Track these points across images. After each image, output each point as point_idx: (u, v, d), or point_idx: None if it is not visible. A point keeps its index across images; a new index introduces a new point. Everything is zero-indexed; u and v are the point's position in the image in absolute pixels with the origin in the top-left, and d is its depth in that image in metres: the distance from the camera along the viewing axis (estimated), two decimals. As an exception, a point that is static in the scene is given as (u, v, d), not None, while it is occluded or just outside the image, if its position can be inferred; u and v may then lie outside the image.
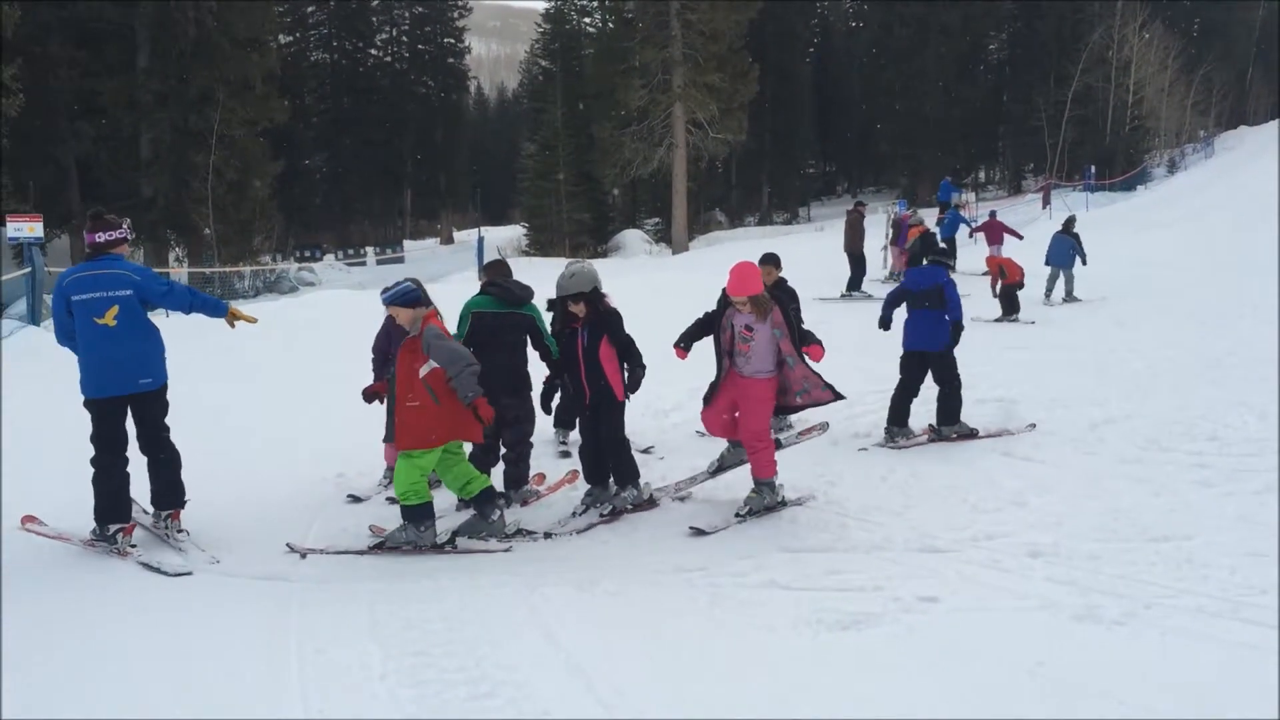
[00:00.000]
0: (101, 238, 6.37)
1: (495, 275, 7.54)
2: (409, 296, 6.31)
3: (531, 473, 7.67)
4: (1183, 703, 4.09)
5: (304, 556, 6.26)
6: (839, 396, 6.99)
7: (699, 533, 6.54)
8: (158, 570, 6.01)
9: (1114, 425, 8.80)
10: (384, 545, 6.37)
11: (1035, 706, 4.12)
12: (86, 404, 6.34)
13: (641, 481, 7.11)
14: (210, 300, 6.71)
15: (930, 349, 8.86)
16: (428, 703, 4.29)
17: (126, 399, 6.34)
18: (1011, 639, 4.75)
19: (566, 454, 8.64)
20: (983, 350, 12.61)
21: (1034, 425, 8.92)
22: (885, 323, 9.21)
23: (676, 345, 7.17)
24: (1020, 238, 21.85)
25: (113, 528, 6.33)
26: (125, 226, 6.64)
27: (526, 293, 7.36)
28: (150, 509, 6.66)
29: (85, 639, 5.05)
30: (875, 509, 6.90)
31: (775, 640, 4.87)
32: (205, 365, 12.06)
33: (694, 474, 7.70)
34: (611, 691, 4.36)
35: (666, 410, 9.66)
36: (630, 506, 6.97)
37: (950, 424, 8.80)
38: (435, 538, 6.34)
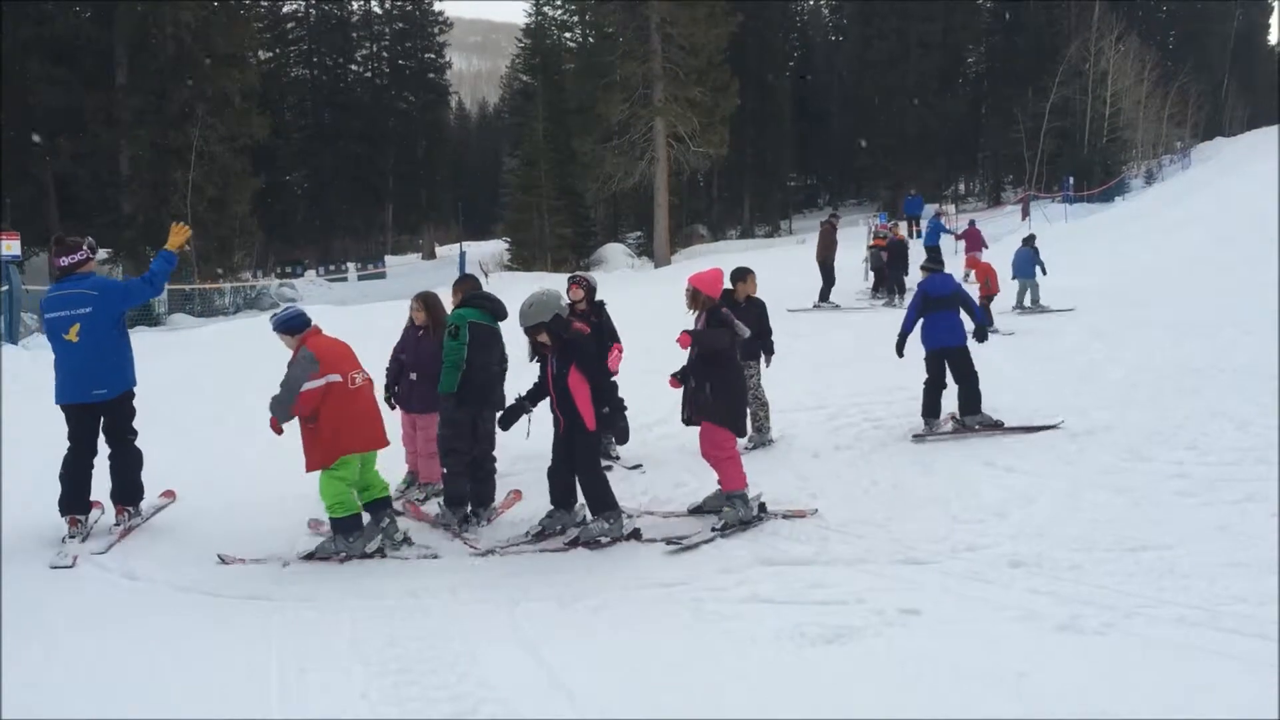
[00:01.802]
0: (65, 261, 6.88)
1: (472, 290, 7.58)
2: (290, 324, 6.71)
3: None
4: (1165, 712, 4.10)
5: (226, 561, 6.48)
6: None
7: (678, 548, 6.53)
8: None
9: (1094, 436, 8.84)
10: (314, 555, 6.53)
11: (1017, 717, 4.12)
12: (60, 407, 6.90)
13: (624, 517, 6.85)
14: (160, 267, 7.11)
15: (951, 345, 9.54)
16: (410, 721, 4.28)
17: (89, 406, 6.85)
18: (993, 650, 4.76)
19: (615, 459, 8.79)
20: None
21: (1063, 421, 9.21)
22: (903, 344, 9.79)
23: (672, 378, 7.32)
24: (986, 247, 22.49)
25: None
26: (86, 247, 7.01)
27: (503, 310, 7.44)
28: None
29: (61, 655, 5.01)
30: (857, 521, 6.91)
31: (758, 654, 4.87)
32: (193, 380, 12.03)
33: (673, 505, 7.65)
34: (594, 707, 4.35)
35: (651, 424, 9.65)
36: (604, 539, 6.68)
37: (973, 414, 9.36)
38: (365, 546, 6.51)
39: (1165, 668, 4.49)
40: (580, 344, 6.71)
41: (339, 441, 6.48)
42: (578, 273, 9.13)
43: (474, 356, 7.17)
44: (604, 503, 6.76)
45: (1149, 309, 16.64)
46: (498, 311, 7.39)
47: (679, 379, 7.25)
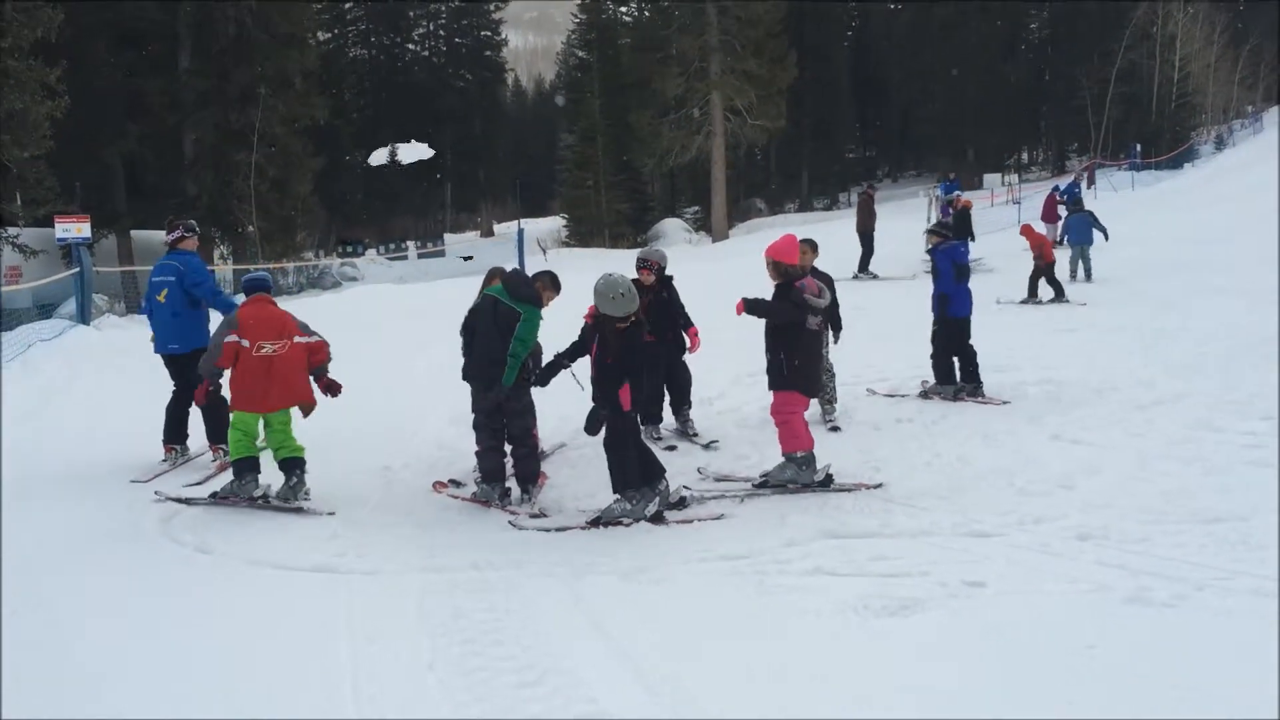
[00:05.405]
0: (169, 237, 8.58)
1: (510, 276, 7.54)
2: (249, 285, 7.56)
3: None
4: (1237, 685, 4.03)
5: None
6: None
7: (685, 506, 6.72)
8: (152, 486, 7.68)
9: (1163, 406, 8.68)
10: (216, 496, 7.24)
11: (1086, 689, 4.08)
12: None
13: (651, 500, 6.69)
14: (222, 303, 8.57)
15: (970, 314, 9.87)
16: (476, 691, 4.32)
17: (168, 358, 8.41)
18: (1061, 622, 4.70)
19: (671, 447, 8.58)
20: (1028, 332, 12.48)
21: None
22: (948, 309, 9.89)
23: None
24: (1060, 217, 22.08)
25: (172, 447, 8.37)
26: (182, 228, 8.62)
27: (524, 292, 7.18)
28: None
29: (135, 627, 5.13)
30: (921, 494, 6.86)
31: (822, 627, 4.86)
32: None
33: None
34: (659, 679, 4.36)
35: (711, 399, 9.63)
36: (625, 520, 6.60)
37: (978, 382, 9.65)
38: (254, 490, 7.19)
39: (1238, 640, 4.40)
40: (628, 352, 6.63)
41: (234, 399, 7.24)
42: (647, 256, 8.73)
43: (481, 328, 7.26)
44: (624, 482, 6.70)
45: (1220, 277, 16.26)
46: (512, 292, 7.16)
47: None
